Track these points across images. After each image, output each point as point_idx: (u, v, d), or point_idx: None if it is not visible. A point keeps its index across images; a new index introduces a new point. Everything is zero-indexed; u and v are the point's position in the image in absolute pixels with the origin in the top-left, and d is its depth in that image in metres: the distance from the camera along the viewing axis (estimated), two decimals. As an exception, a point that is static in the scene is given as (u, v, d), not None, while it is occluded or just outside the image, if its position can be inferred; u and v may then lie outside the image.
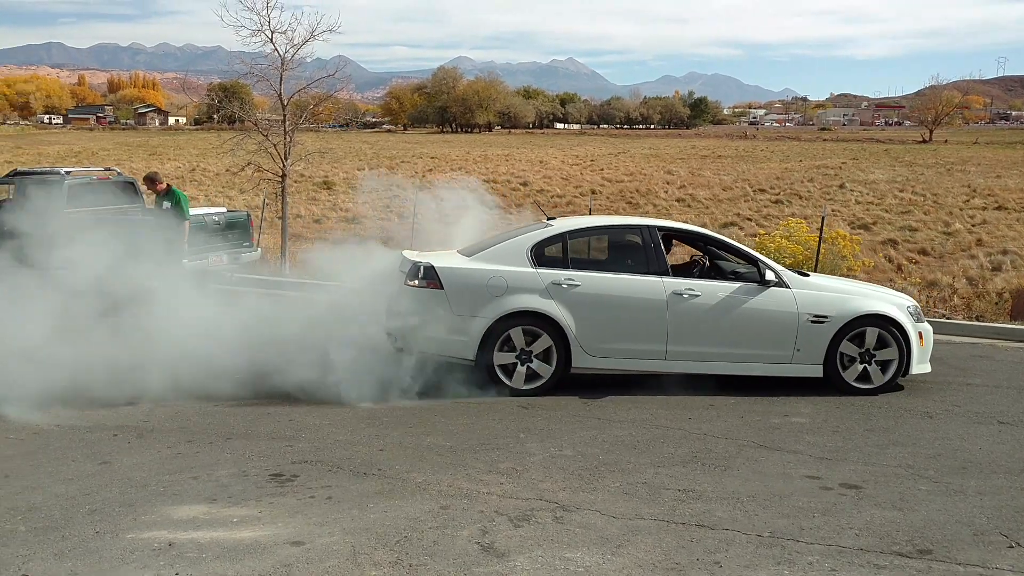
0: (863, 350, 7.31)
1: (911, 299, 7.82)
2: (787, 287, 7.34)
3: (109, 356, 7.21)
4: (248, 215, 13.07)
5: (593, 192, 26.90)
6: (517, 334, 7.14)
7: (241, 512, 4.65)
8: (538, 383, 7.16)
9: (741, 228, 20.07)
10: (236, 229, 12.44)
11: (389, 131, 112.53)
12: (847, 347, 7.29)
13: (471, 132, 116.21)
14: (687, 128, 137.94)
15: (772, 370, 7.35)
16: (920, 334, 7.43)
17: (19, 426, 6.16)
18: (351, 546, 4.22)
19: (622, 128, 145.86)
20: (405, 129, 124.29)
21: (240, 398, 6.89)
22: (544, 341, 7.15)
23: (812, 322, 7.25)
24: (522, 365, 7.16)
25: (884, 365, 7.34)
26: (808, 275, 7.85)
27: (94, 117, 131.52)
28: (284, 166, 14.93)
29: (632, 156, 50.74)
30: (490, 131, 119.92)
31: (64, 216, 11.72)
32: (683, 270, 7.93)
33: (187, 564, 4.01)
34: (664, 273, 7.35)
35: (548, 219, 8.02)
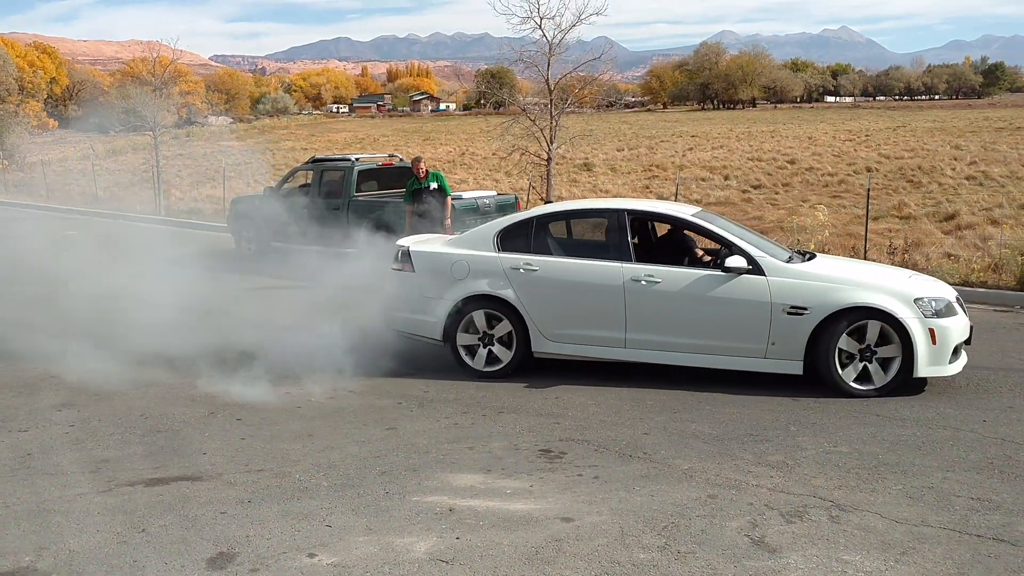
0: (863, 346, 6.46)
1: (937, 290, 6.70)
2: (761, 274, 6.64)
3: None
4: (516, 198, 13.56)
5: (868, 170, 25.05)
6: (480, 317, 7.25)
7: (514, 484, 4.87)
8: (498, 367, 7.22)
9: (1045, 209, 17.83)
10: (506, 211, 12.95)
11: (648, 110, 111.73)
12: (846, 343, 6.45)
13: (733, 108, 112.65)
14: (978, 98, 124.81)
15: (744, 364, 6.74)
16: (932, 330, 6.34)
17: (318, 393, 6.84)
18: (619, 527, 4.29)
19: (901, 100, 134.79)
20: (665, 107, 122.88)
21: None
22: (504, 326, 7.20)
23: (789, 314, 6.52)
24: (483, 347, 7.27)
25: (885, 364, 6.45)
26: (814, 257, 7.15)
27: (375, 105, 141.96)
28: (549, 149, 15.34)
29: (913, 130, 46.77)
30: (754, 107, 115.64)
31: (353, 199, 12.88)
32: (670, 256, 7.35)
33: (466, 530, 4.27)
34: (626, 259, 6.99)
35: (545, 202, 7.94)
